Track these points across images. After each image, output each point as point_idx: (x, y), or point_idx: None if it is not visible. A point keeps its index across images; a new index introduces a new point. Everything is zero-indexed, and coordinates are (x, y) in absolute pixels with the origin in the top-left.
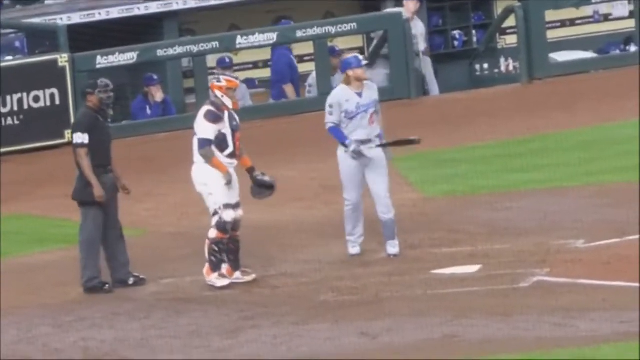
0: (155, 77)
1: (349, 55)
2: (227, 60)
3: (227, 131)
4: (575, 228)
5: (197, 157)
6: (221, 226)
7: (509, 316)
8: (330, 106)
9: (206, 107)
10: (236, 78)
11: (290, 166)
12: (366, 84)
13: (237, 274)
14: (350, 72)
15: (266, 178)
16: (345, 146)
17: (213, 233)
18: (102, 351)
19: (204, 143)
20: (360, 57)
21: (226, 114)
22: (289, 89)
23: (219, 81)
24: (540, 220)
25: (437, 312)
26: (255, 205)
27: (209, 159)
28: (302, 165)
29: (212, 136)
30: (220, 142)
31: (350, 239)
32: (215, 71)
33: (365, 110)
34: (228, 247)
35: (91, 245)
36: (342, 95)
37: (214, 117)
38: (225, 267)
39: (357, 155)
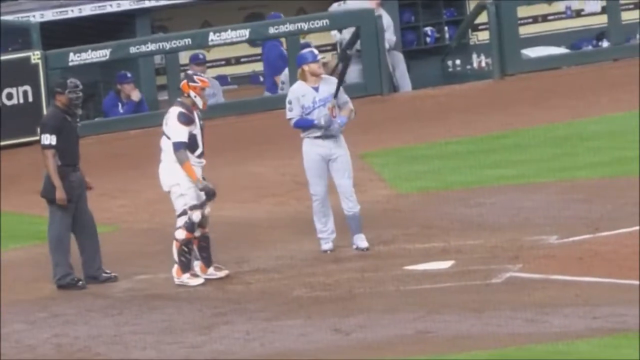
0: (128, 75)
1: (306, 50)
2: (201, 56)
3: (197, 131)
4: (548, 224)
5: (166, 157)
6: (189, 226)
7: (482, 312)
8: (289, 102)
9: (177, 109)
10: (207, 78)
11: (262, 162)
12: (324, 77)
13: (211, 269)
14: (305, 67)
15: (210, 185)
16: (317, 127)
17: (182, 234)
18: (75, 347)
19: (179, 146)
20: (316, 51)
21: (196, 114)
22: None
23: (193, 81)
24: (513, 216)
25: (410, 308)
26: (228, 202)
27: (182, 162)
28: (274, 161)
29: (185, 138)
30: (191, 143)
31: (322, 235)
32: (188, 71)
33: (323, 104)
34: (199, 245)
35: (60, 243)
36: (298, 90)
37: (187, 119)
38: (198, 265)
39: (327, 126)
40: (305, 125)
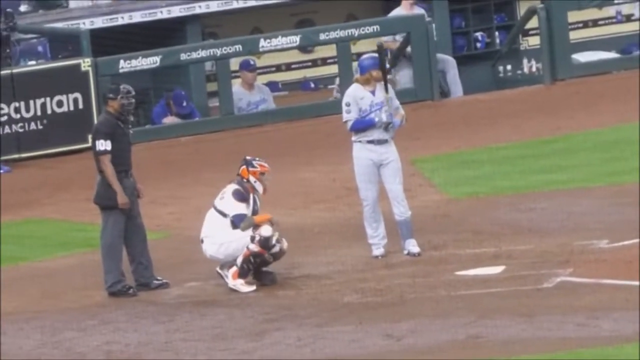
0: (183, 93)
1: (369, 56)
2: (252, 62)
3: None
4: (598, 228)
5: (205, 233)
6: (263, 242)
7: (533, 316)
8: (347, 104)
9: (234, 186)
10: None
11: (311, 168)
12: (378, 83)
13: (240, 280)
14: (374, 73)
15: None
16: (377, 125)
17: (255, 247)
18: (125, 355)
19: (239, 218)
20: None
21: (251, 196)
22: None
23: (252, 166)
24: (564, 221)
25: (461, 313)
26: (278, 208)
27: (251, 225)
28: (324, 167)
29: (245, 210)
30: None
31: (373, 241)
32: (247, 158)
33: (379, 108)
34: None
35: (113, 249)
36: (356, 93)
37: (242, 197)
38: (233, 270)
39: (388, 122)
40: (364, 126)
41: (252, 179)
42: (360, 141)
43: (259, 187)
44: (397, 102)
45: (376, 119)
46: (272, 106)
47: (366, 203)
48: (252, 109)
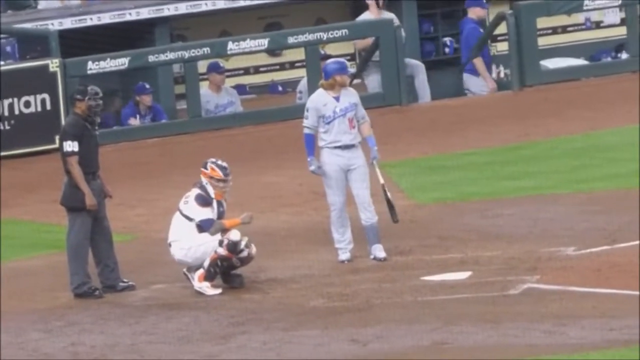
0: (147, 86)
1: (334, 60)
2: (221, 65)
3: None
4: (566, 235)
5: (173, 237)
6: (231, 247)
7: (499, 323)
8: (307, 110)
9: (196, 191)
10: (226, 175)
11: (279, 172)
12: (344, 88)
13: (206, 283)
14: (338, 78)
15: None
16: (310, 164)
17: (223, 251)
18: (91, 356)
19: (207, 223)
20: (347, 63)
21: (215, 201)
22: (478, 62)
23: (204, 168)
24: (531, 227)
25: (427, 319)
26: (245, 211)
27: (221, 229)
28: (291, 171)
29: (211, 215)
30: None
31: (339, 245)
32: (209, 159)
33: (343, 114)
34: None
35: (79, 251)
36: (319, 99)
37: (204, 202)
38: (199, 272)
39: (317, 173)
40: (306, 147)
41: (203, 180)
42: (327, 147)
43: (210, 190)
44: (362, 111)
45: (310, 157)
46: (239, 109)
47: (333, 208)
48: (219, 112)
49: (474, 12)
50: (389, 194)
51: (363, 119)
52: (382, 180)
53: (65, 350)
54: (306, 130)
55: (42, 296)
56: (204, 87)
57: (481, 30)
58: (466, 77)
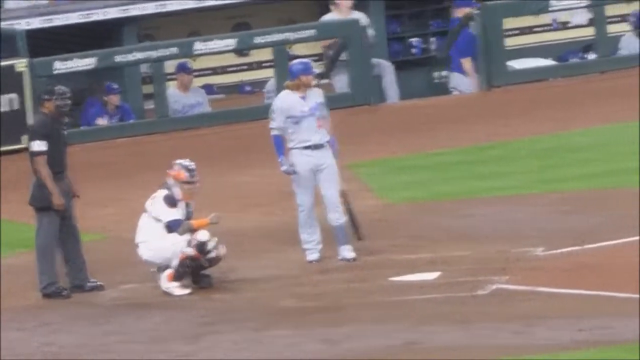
0: (115, 86)
1: (299, 61)
2: (189, 65)
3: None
4: (535, 236)
5: (141, 238)
6: (199, 247)
7: (469, 323)
8: (273, 112)
9: (164, 192)
10: (193, 177)
11: (248, 172)
12: (309, 88)
13: (175, 283)
14: (303, 78)
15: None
16: (281, 164)
17: (191, 251)
18: (61, 356)
19: (176, 224)
20: (312, 63)
21: (182, 203)
22: (467, 62)
23: (171, 169)
24: (501, 228)
25: (397, 319)
26: (214, 212)
27: (190, 229)
28: (260, 170)
29: (179, 216)
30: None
31: (307, 246)
32: (177, 160)
33: (312, 114)
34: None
35: (47, 251)
36: (285, 100)
37: (172, 202)
38: (168, 272)
39: (289, 172)
40: (275, 149)
41: (170, 181)
42: (297, 147)
43: (177, 191)
44: (325, 111)
45: (281, 158)
46: (207, 109)
47: (302, 208)
48: (186, 112)
49: (461, 12)
50: (351, 206)
51: (325, 118)
52: (343, 187)
53: (39, 350)
54: (273, 132)
55: (17, 296)
56: (172, 87)
57: (470, 30)
58: (456, 76)
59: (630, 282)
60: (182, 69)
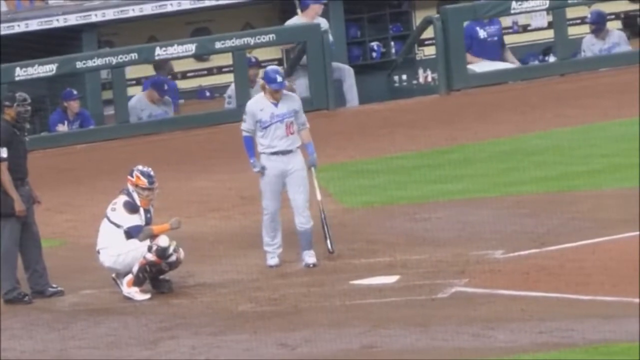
0: (74, 92)
1: (271, 69)
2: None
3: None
4: (494, 238)
5: (101, 244)
6: (159, 252)
7: (428, 326)
8: (245, 113)
9: (124, 198)
10: (152, 183)
11: (208, 176)
12: (286, 94)
13: (135, 288)
14: (267, 87)
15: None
16: (254, 170)
17: (151, 257)
18: None
19: (136, 230)
20: (280, 79)
21: (141, 209)
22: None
23: (130, 176)
24: (459, 231)
25: (355, 323)
26: (173, 216)
27: (150, 235)
28: (220, 175)
29: (139, 221)
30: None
31: (268, 249)
32: (136, 167)
33: (281, 120)
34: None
35: (8, 257)
36: (257, 104)
37: (132, 208)
38: (128, 278)
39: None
40: (246, 150)
41: (130, 187)
42: (265, 152)
43: (136, 197)
44: (303, 117)
45: (252, 160)
46: (170, 114)
47: (266, 212)
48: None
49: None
50: (325, 219)
51: (303, 126)
52: (319, 197)
53: None
54: (244, 133)
55: None
56: (140, 95)
57: (477, 28)
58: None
59: (589, 284)
60: (155, 86)
